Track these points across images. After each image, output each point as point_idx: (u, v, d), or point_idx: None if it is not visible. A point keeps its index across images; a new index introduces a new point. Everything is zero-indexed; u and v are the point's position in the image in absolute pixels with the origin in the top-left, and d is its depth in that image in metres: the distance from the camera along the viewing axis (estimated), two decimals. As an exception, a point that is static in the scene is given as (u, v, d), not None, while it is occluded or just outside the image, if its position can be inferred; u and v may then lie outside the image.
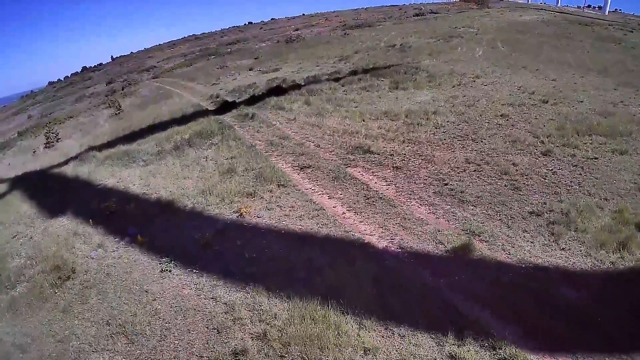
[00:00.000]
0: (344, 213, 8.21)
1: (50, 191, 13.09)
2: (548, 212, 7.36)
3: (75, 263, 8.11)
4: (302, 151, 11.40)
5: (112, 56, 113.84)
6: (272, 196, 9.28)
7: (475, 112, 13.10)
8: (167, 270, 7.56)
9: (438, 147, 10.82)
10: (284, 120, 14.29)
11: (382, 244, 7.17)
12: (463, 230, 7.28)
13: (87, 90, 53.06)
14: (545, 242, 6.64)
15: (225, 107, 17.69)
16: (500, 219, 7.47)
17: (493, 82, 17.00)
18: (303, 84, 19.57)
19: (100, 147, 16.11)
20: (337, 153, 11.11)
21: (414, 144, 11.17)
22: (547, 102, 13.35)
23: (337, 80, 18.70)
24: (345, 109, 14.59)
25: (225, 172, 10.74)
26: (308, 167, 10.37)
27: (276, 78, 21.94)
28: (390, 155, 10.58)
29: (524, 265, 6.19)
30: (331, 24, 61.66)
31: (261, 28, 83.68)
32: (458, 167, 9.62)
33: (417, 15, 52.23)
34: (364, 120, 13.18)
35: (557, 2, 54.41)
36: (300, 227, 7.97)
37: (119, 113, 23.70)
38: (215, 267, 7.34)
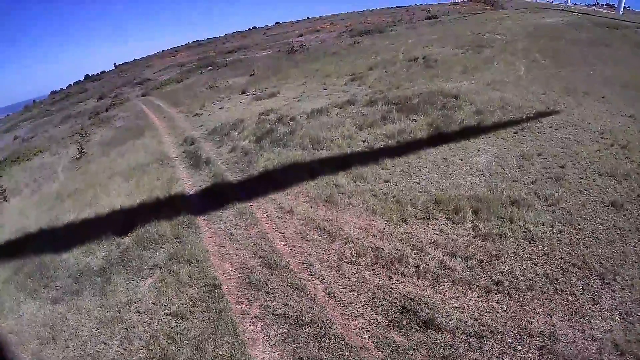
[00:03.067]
0: None
1: None
2: None
3: None
4: (301, 309, 5.86)
5: (115, 63, 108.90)
6: None
7: (573, 199, 7.75)
8: None
9: (553, 305, 5.35)
10: (274, 211, 8.71)
11: None
12: None
13: (77, 107, 48.61)
14: None
15: (197, 164, 12.11)
16: None
17: (563, 123, 11.74)
18: (306, 121, 13.94)
19: (23, 240, 10.84)
20: (370, 323, 5.55)
21: (509, 296, 5.65)
22: (655, 168, 7.98)
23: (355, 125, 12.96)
24: (370, 186, 8.95)
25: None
26: (315, 378, 4.76)
27: (271, 111, 16.33)
28: (478, 337, 4.99)
29: None
30: (337, 28, 55.86)
31: (264, 33, 77.99)
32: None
33: (429, 18, 46.18)
34: (404, 220, 7.57)
35: (567, 1, 49.95)
36: None
37: (80, 157, 18.45)
38: None
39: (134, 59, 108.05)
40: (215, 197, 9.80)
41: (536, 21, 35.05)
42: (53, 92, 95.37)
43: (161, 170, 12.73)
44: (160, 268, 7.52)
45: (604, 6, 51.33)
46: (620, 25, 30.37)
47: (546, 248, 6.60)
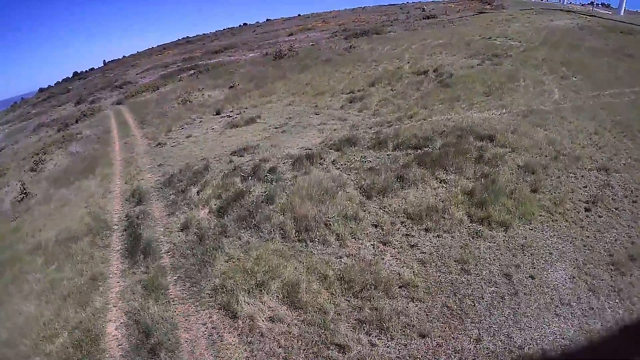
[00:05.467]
0: None
1: None
2: None
3: None
4: None
5: (104, 60, 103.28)
6: None
7: None
8: None
9: None
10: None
11: None
12: None
13: (54, 112, 44.16)
14: None
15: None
16: None
17: (638, 188, 8.48)
18: (290, 174, 9.74)
19: None
20: None
21: None
22: None
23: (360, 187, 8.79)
24: (397, 348, 4.80)
25: None
26: None
27: (246, 150, 12.09)
28: None
29: None
30: (329, 27, 51.26)
31: (254, 31, 72.96)
32: None
33: (427, 17, 41.77)
34: None
35: (563, 1, 46.78)
36: None
37: (21, 200, 14.71)
38: None
39: (123, 56, 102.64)
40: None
41: (546, 24, 31.23)
42: (41, 90, 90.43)
43: (89, 254, 8.68)
44: None
45: (600, 6, 48.60)
46: (633, 30, 27.56)
47: None
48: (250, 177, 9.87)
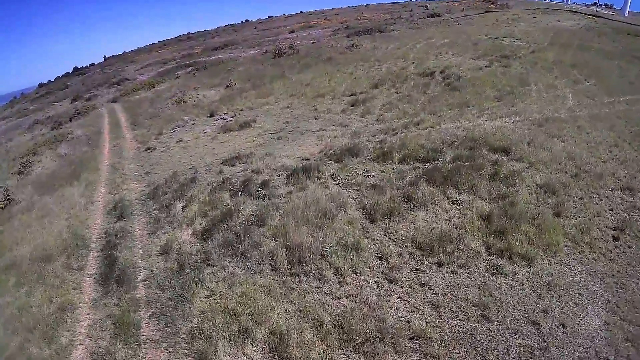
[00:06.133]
0: None
1: None
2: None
3: None
4: None
5: (104, 56, 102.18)
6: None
7: None
8: None
9: None
10: None
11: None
12: None
13: (50, 109, 43.23)
14: None
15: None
16: None
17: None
18: (284, 189, 8.74)
19: None
20: None
21: None
22: None
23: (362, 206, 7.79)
24: None
25: None
26: None
27: (238, 159, 11.07)
28: None
29: None
30: (331, 24, 50.10)
31: (255, 28, 71.73)
32: None
33: (431, 16, 40.59)
34: None
35: (567, 1, 45.59)
36: None
37: (4, 207, 13.50)
38: None
39: (124, 51, 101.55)
40: None
41: (552, 24, 30.17)
42: (40, 85, 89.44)
43: (61, 277, 7.74)
44: None
45: (603, 6, 47.62)
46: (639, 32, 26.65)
47: None
48: (240, 192, 8.88)
